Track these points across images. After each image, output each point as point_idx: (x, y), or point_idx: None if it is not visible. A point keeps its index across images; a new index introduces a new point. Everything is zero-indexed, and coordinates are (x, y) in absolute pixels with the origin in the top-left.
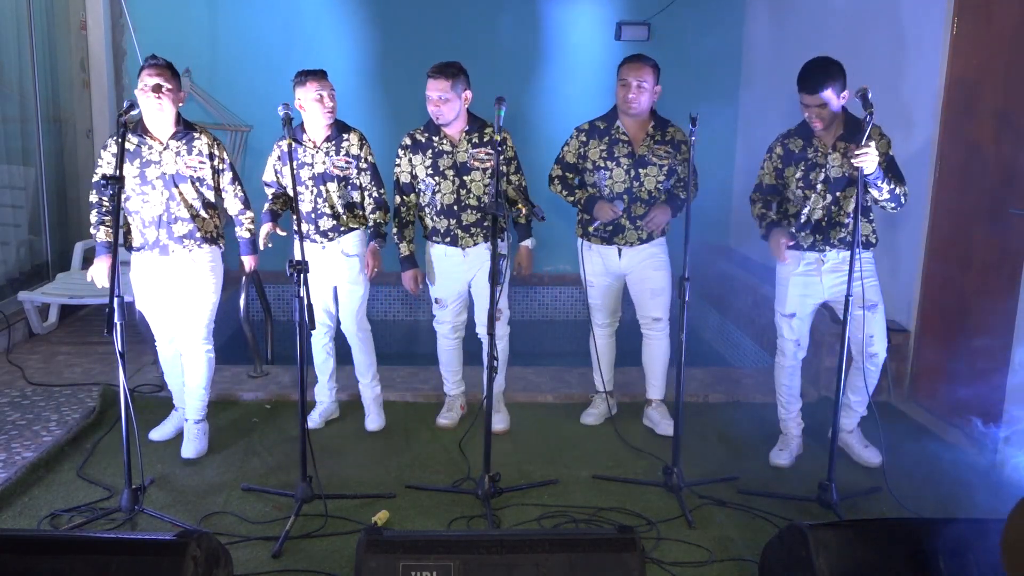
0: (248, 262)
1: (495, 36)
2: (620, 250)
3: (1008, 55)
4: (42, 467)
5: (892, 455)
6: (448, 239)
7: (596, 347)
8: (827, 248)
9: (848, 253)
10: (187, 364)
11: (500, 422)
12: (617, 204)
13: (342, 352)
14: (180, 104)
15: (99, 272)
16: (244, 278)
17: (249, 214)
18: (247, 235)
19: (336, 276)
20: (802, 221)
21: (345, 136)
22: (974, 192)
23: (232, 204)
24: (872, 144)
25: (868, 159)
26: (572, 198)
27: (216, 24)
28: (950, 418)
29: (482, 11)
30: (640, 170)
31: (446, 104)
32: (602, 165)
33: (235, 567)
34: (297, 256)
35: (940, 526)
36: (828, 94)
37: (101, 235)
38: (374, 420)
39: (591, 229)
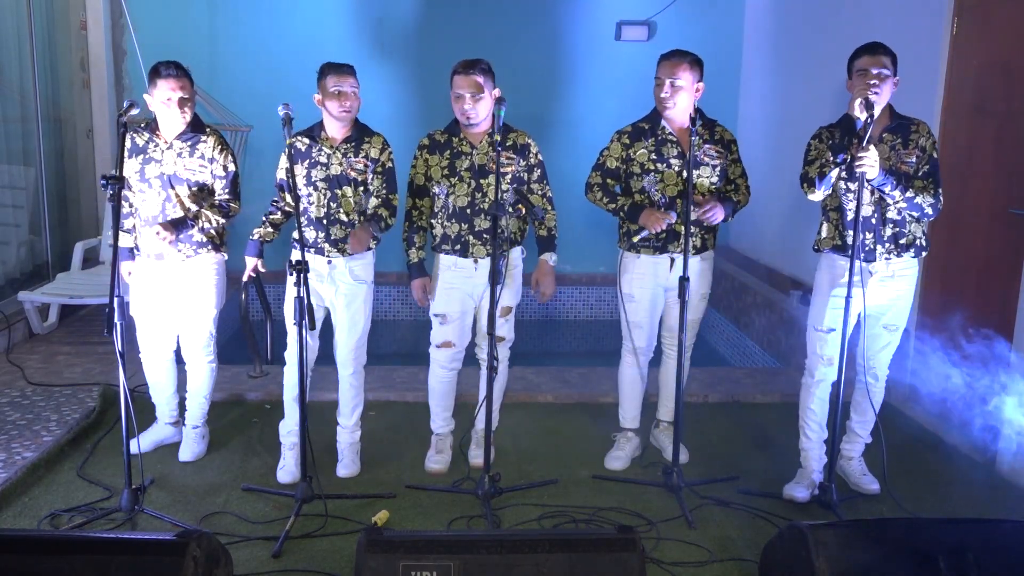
0: (161, 230)
1: (494, 36)
2: (673, 260)
3: (1008, 55)
4: (42, 467)
5: (891, 455)
6: (458, 246)
7: (624, 379)
8: (880, 250)
9: (903, 260)
10: (189, 372)
11: (478, 456)
12: (670, 214)
13: (325, 356)
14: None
15: (126, 272)
16: (244, 278)
17: (219, 214)
18: (202, 221)
19: (337, 301)
20: (848, 218)
21: (367, 139)
22: (974, 192)
23: (218, 196)
24: (872, 148)
25: (868, 163)
26: (614, 205)
27: (216, 24)
28: (950, 418)
29: (481, 11)
30: (692, 171)
31: (479, 103)
32: (651, 168)
33: (235, 567)
34: (297, 256)
35: (940, 526)
36: (887, 61)
37: (128, 240)
38: (347, 467)
39: (637, 240)
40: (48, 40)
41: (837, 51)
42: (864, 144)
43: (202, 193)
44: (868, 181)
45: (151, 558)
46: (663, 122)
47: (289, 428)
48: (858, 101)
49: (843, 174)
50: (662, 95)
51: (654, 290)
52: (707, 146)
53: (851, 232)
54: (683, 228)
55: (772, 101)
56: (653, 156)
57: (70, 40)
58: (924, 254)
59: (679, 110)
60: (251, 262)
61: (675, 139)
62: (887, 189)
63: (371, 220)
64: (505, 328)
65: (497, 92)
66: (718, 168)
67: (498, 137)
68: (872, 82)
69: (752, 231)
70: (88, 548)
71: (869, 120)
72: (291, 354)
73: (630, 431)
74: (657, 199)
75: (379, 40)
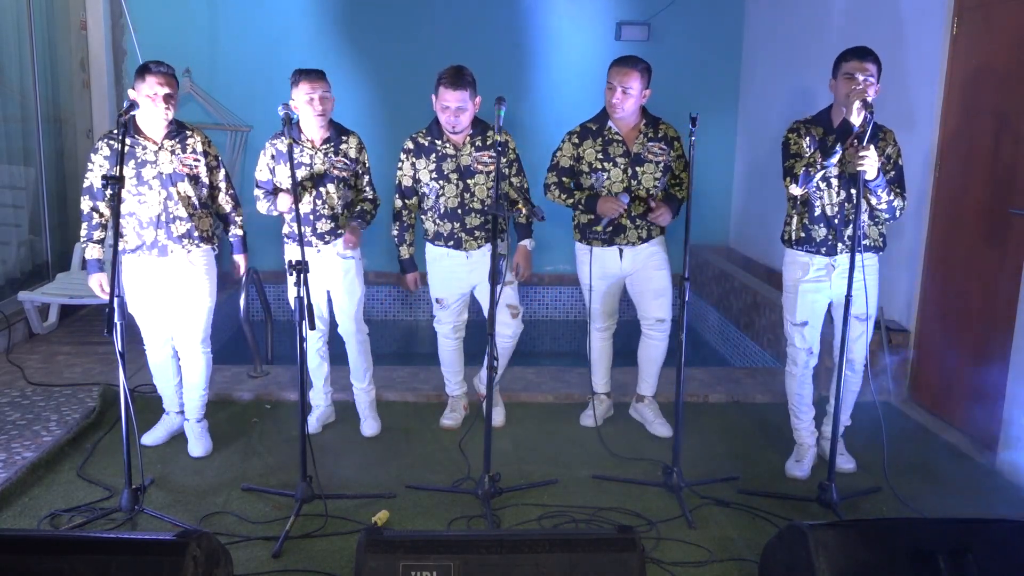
0: (241, 261)
1: (494, 36)
2: (621, 251)
3: (1008, 55)
4: (42, 467)
5: (892, 455)
6: (451, 243)
7: (593, 350)
8: (840, 246)
9: (864, 256)
10: (186, 365)
11: (496, 416)
12: (622, 197)
13: (336, 355)
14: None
15: (96, 284)
16: (244, 278)
17: (241, 211)
18: (240, 232)
19: (331, 279)
20: (815, 214)
21: (344, 138)
22: (974, 192)
23: (225, 202)
24: (872, 148)
25: (868, 162)
26: (571, 200)
27: (216, 24)
28: (950, 418)
29: (481, 11)
30: (637, 168)
31: (464, 114)
32: (599, 167)
33: (235, 567)
34: (296, 256)
35: (940, 526)
36: (873, 68)
37: (95, 252)
38: (370, 426)
39: (598, 228)
40: (48, 40)
41: (837, 51)
42: (864, 143)
43: (197, 187)
44: (866, 182)
45: (151, 558)
46: (610, 123)
47: (317, 389)
48: (856, 104)
49: (827, 173)
50: (613, 100)
51: (607, 279)
52: (651, 144)
53: (814, 227)
54: (628, 221)
55: (772, 101)
56: (600, 155)
57: (70, 40)
58: (881, 253)
59: (627, 114)
60: (284, 202)
61: (621, 139)
62: (879, 191)
63: (357, 217)
64: (514, 297)
65: (479, 100)
66: (661, 165)
67: (498, 137)
68: (858, 87)
69: (752, 231)
70: (88, 548)
71: (868, 117)
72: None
73: (603, 394)
74: (605, 194)
75: (378, 40)
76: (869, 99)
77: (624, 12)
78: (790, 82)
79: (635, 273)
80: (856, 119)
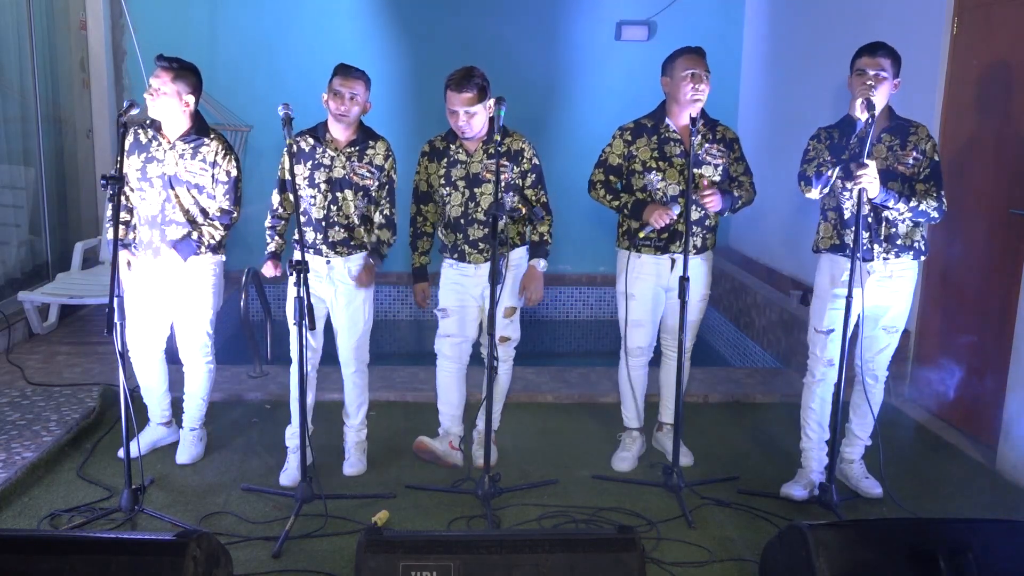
0: (172, 255)
1: (493, 37)
2: (674, 260)
3: (1008, 55)
4: (42, 467)
5: (892, 456)
6: (456, 255)
7: (623, 380)
8: (877, 249)
9: (901, 260)
10: (187, 373)
11: (479, 456)
12: (673, 207)
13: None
14: (187, 108)
15: (123, 262)
16: (244, 278)
17: (219, 227)
18: (205, 238)
19: (337, 301)
20: (846, 217)
21: (371, 143)
22: (974, 192)
23: (211, 207)
24: (872, 164)
25: (867, 179)
26: (617, 203)
27: (216, 24)
28: (950, 418)
29: (480, 12)
30: (694, 170)
31: (474, 118)
32: (653, 166)
33: (235, 567)
34: (297, 256)
35: (940, 526)
36: (887, 63)
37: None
38: (353, 465)
39: (642, 235)
40: (48, 40)
41: (837, 51)
42: (863, 160)
43: (201, 196)
44: (870, 199)
45: (151, 558)
46: (667, 120)
47: (294, 431)
48: (859, 101)
49: (841, 174)
50: (701, 87)
51: (655, 289)
52: (708, 145)
53: (848, 231)
54: (684, 227)
55: (772, 101)
56: (656, 154)
57: (70, 40)
58: (923, 257)
59: (702, 104)
60: (268, 270)
61: (678, 137)
62: (890, 204)
63: (373, 253)
64: (509, 328)
65: (492, 101)
66: (720, 167)
67: (498, 137)
68: (868, 82)
69: (752, 231)
70: (88, 548)
71: (870, 120)
72: (295, 354)
73: (635, 430)
74: (659, 197)
75: (378, 40)
76: (873, 97)
77: (624, 12)
78: (790, 82)
79: (677, 290)
80: (860, 115)
